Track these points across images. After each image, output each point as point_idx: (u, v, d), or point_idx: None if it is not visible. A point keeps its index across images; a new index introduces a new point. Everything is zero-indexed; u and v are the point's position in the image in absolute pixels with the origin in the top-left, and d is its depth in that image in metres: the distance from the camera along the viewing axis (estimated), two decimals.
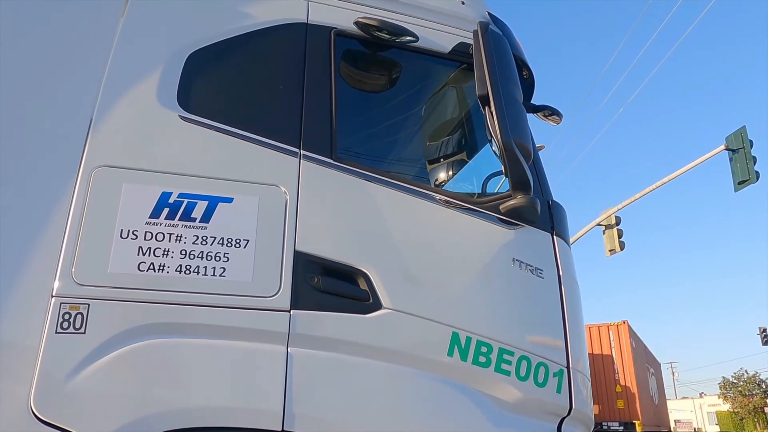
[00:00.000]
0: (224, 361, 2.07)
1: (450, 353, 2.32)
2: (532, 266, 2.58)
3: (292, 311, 2.17)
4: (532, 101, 3.18)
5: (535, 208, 2.59)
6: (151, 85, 2.34)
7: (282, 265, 2.21)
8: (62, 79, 2.27)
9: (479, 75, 2.57)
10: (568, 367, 2.52)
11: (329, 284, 2.27)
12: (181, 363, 2.02)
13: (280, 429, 2.03)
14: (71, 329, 1.94)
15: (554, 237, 2.71)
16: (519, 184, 2.56)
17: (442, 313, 2.37)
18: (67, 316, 1.95)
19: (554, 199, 2.83)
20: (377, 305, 2.28)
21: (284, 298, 2.18)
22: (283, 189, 2.33)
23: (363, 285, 2.30)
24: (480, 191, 2.74)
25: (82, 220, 2.07)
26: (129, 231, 2.11)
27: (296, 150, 2.41)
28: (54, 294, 1.96)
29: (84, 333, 1.95)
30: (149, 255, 2.10)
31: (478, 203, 2.62)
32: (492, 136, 2.48)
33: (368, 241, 2.39)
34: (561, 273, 2.65)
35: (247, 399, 2.05)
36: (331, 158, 2.46)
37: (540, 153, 2.90)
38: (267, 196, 2.30)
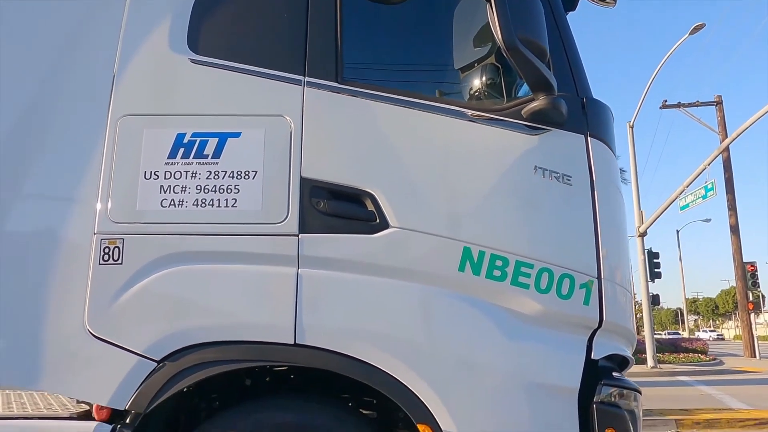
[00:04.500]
0: (240, 283, 2.28)
1: (461, 268, 2.30)
2: (558, 173, 2.40)
3: (300, 235, 2.30)
4: None
5: (558, 109, 2.37)
6: (163, 33, 2.50)
7: (289, 192, 2.32)
8: (87, 40, 2.52)
9: None
10: (599, 278, 2.36)
11: (336, 207, 2.34)
12: (203, 286, 2.28)
13: (292, 342, 2.22)
14: (111, 261, 2.27)
15: (588, 139, 2.46)
16: (536, 84, 2.35)
17: (452, 228, 2.34)
18: (106, 250, 2.28)
19: (592, 96, 2.55)
20: (384, 225, 2.32)
21: (292, 223, 2.30)
22: (287, 118, 2.39)
23: (369, 206, 2.33)
24: (505, 98, 2.55)
25: (113, 166, 2.35)
26: (151, 172, 2.35)
27: (300, 78, 2.45)
28: (95, 232, 2.29)
29: (121, 263, 2.27)
30: (170, 192, 2.33)
31: (496, 110, 2.46)
32: (496, 36, 2.27)
33: (374, 162, 2.40)
34: (595, 178, 2.43)
35: (261, 316, 2.26)
36: (336, 82, 2.46)
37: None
38: (272, 127, 2.39)
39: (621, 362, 2.63)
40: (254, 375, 2.60)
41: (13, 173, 2.37)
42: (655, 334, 24.27)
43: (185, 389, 2.51)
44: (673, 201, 19.34)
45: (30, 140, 2.41)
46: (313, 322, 2.24)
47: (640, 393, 2.45)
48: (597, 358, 2.33)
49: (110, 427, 2.16)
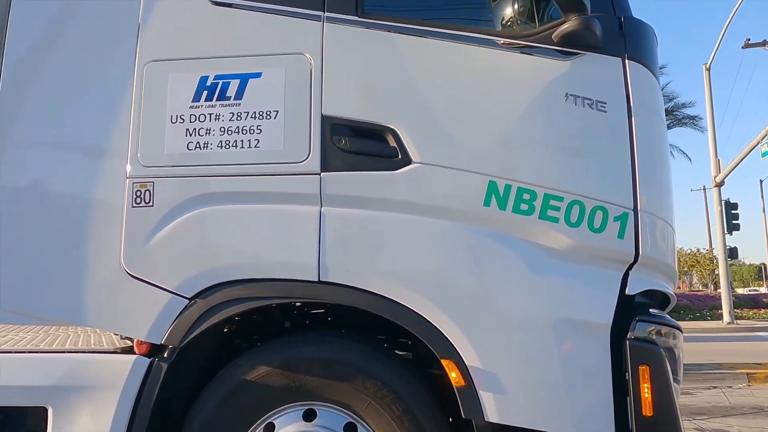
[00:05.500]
0: (264, 223, 2.31)
1: (486, 203, 2.22)
2: (591, 99, 2.26)
3: (322, 174, 2.29)
4: None
5: (592, 30, 2.21)
6: None
7: (310, 131, 2.31)
8: None
9: None
10: (635, 209, 2.23)
11: (357, 144, 2.31)
12: (229, 226, 2.32)
13: (316, 279, 2.24)
14: (143, 203, 2.34)
15: (626, 62, 2.29)
16: (566, 4, 2.20)
17: (477, 162, 2.26)
18: (138, 193, 2.35)
19: (631, 15, 2.36)
20: (407, 161, 2.27)
21: (314, 162, 2.29)
22: (308, 56, 2.36)
23: (391, 142, 2.28)
24: (537, 24, 2.39)
25: (141, 112, 2.41)
26: (177, 116, 2.38)
27: (320, 14, 2.39)
28: (127, 176, 2.37)
29: (153, 206, 2.34)
30: (195, 135, 2.37)
31: (525, 37, 2.33)
32: None
33: (395, 97, 2.33)
34: (632, 104, 2.27)
35: (285, 254, 2.28)
36: (357, 15, 2.39)
37: None
38: (292, 65, 2.36)
39: (662, 300, 2.50)
40: (293, 317, 2.66)
41: (48, 123, 2.47)
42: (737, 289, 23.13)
43: (226, 329, 2.62)
44: (754, 147, 18.04)
45: (63, 91, 2.49)
46: (335, 260, 2.24)
47: (681, 331, 2.32)
48: (632, 293, 2.22)
49: (149, 360, 2.27)
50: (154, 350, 2.32)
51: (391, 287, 2.21)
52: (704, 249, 43.98)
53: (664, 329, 2.26)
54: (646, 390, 2.10)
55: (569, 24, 2.21)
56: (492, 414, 2.12)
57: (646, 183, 2.26)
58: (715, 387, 7.59)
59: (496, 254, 2.22)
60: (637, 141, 2.25)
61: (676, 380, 2.34)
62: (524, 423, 2.13)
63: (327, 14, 2.39)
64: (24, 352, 2.42)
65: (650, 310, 2.27)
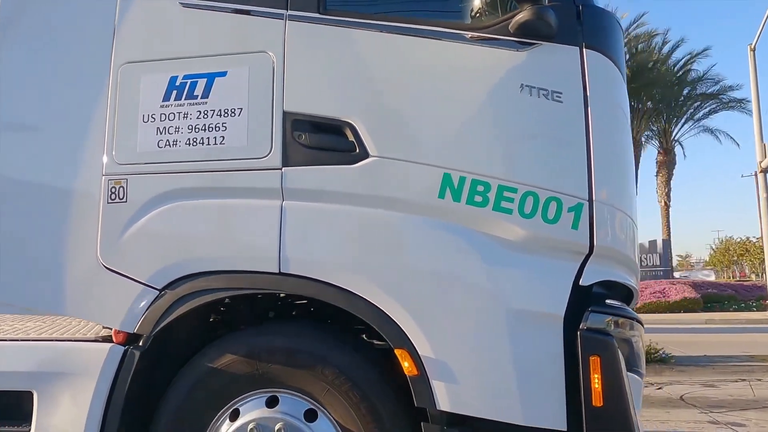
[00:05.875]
0: (230, 217, 2.39)
1: (441, 195, 2.25)
2: (546, 90, 2.25)
3: (283, 168, 2.36)
4: None
5: (544, 20, 2.20)
6: None
7: (272, 127, 2.37)
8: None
9: None
10: (590, 200, 2.21)
11: (317, 139, 2.36)
12: (195, 221, 2.41)
13: (277, 271, 2.32)
14: (117, 199, 2.46)
15: (583, 51, 2.27)
16: None
17: (432, 154, 2.28)
18: (114, 190, 2.47)
19: (591, 3, 2.33)
20: (364, 154, 2.31)
21: (275, 157, 2.36)
22: (270, 54, 2.42)
23: (350, 136, 2.33)
24: (500, 15, 2.38)
25: (116, 112, 2.52)
26: (149, 115, 2.49)
27: (283, 12, 2.45)
28: (103, 173, 2.49)
29: (126, 202, 2.46)
30: (165, 133, 2.47)
31: (482, 28, 2.33)
32: None
33: (353, 91, 2.38)
34: (589, 93, 2.24)
35: (249, 247, 2.36)
36: (318, 12, 2.43)
37: None
38: (256, 63, 2.43)
39: (628, 294, 2.47)
40: (278, 307, 2.75)
41: (32, 122, 2.61)
42: None
43: (212, 319, 2.73)
44: None
45: (45, 91, 2.63)
46: (295, 252, 2.31)
47: (640, 322, 2.30)
48: (586, 284, 2.21)
49: (123, 348, 2.40)
50: (131, 339, 2.45)
51: (348, 278, 2.27)
52: (755, 237, 42.31)
53: (620, 320, 2.24)
54: (596, 380, 2.09)
55: (522, 14, 2.21)
56: (443, 403, 2.15)
57: (603, 174, 2.24)
58: (743, 380, 7.37)
59: (450, 246, 2.24)
60: (593, 131, 2.23)
61: (636, 372, 2.32)
62: (475, 412, 2.16)
63: (290, 12, 2.45)
64: (13, 341, 2.58)
65: (606, 301, 2.25)
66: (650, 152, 34.05)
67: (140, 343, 2.41)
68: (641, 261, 27.70)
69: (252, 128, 2.39)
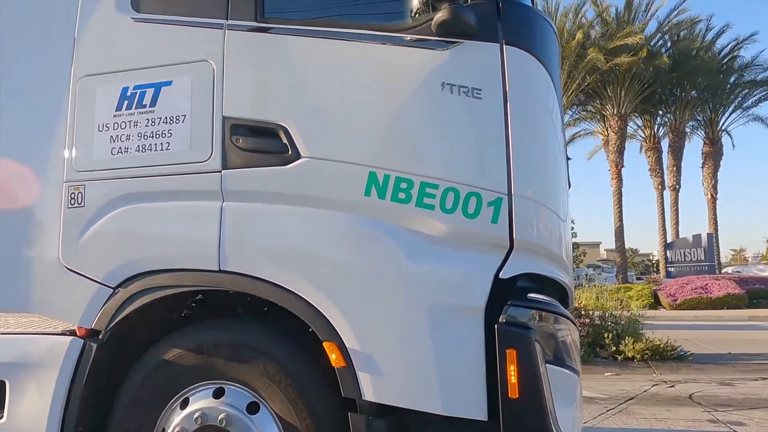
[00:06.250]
0: (175, 218, 2.54)
1: (367, 193, 2.33)
2: (467, 87, 2.29)
3: (222, 171, 2.48)
4: None
5: (462, 19, 2.25)
6: None
7: (212, 132, 2.50)
8: (53, 12, 2.86)
9: None
10: (509, 194, 2.25)
11: (253, 143, 2.47)
12: (144, 222, 2.57)
13: (217, 269, 2.44)
14: (76, 204, 2.64)
15: (503, 47, 2.30)
16: None
17: (359, 153, 2.36)
18: (72, 195, 2.65)
19: (512, 0, 2.36)
20: (297, 155, 2.41)
21: (216, 160, 2.49)
22: (211, 62, 2.55)
23: (284, 138, 2.43)
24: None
25: (75, 122, 2.70)
26: (104, 125, 2.66)
27: (222, 21, 2.58)
28: (64, 180, 2.68)
29: (84, 206, 2.63)
30: (117, 141, 2.63)
31: (407, 29, 2.39)
32: None
33: (287, 95, 2.48)
34: (508, 90, 2.28)
35: (193, 246, 2.50)
36: (256, 21, 2.55)
37: None
38: (198, 72, 2.56)
39: (565, 291, 2.48)
40: (247, 303, 2.87)
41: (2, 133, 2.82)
42: None
43: (183, 315, 2.89)
44: None
45: (13, 102, 2.83)
46: (233, 251, 2.43)
47: (567, 317, 2.31)
48: (505, 277, 2.25)
49: (82, 341, 2.57)
50: (92, 334, 2.62)
51: (282, 275, 2.37)
52: None
53: (543, 315, 2.26)
54: (512, 373, 2.13)
55: (441, 14, 2.26)
56: (369, 393, 2.23)
57: (523, 169, 2.27)
58: (764, 378, 7.11)
59: (376, 242, 2.32)
60: (512, 127, 2.27)
61: (567, 367, 2.33)
62: (399, 402, 2.23)
63: (229, 22, 2.57)
64: None
65: (529, 295, 2.28)
66: (696, 143, 32.92)
67: (99, 337, 2.58)
68: (684, 256, 26.99)
69: (194, 134, 2.53)
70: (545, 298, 2.33)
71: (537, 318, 2.25)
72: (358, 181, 2.34)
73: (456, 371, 2.21)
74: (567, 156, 3.73)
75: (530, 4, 2.48)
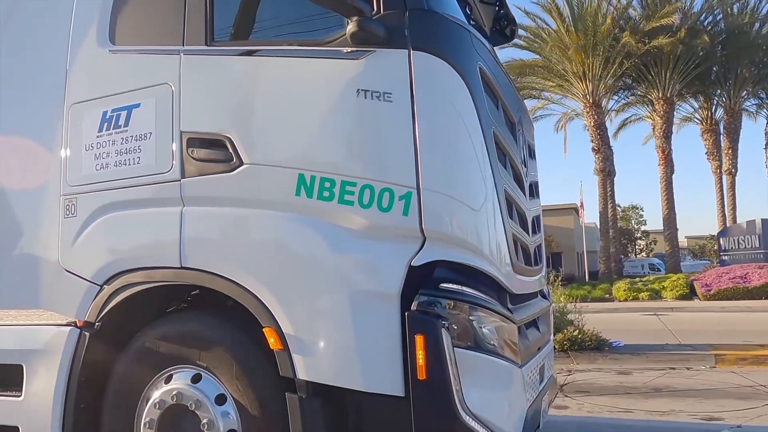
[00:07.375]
0: (145, 222, 2.91)
1: (297, 193, 2.59)
2: (378, 92, 2.51)
3: (181, 180, 2.83)
4: None
5: (368, 31, 2.47)
6: (94, 31, 3.17)
7: (172, 145, 2.85)
8: (50, 45, 3.31)
9: None
10: (417, 188, 2.44)
11: (205, 153, 2.80)
12: (121, 228, 2.96)
13: (179, 266, 2.79)
14: (70, 215, 3.08)
15: (410, 53, 2.49)
16: (345, 10, 2.49)
17: (290, 158, 2.63)
18: (67, 207, 3.09)
19: (423, 8, 2.54)
20: (240, 163, 2.71)
21: (176, 171, 2.84)
22: (170, 84, 2.90)
23: (229, 148, 2.74)
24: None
25: (68, 143, 3.14)
26: (89, 145, 3.08)
27: (179, 48, 2.92)
28: (61, 194, 3.12)
29: (76, 216, 3.06)
30: (100, 158, 3.04)
31: (328, 43, 2.63)
32: None
33: (230, 109, 2.79)
34: (415, 92, 2.47)
35: (160, 246, 2.86)
36: (206, 45, 2.87)
37: None
38: (161, 94, 2.92)
39: (491, 283, 2.63)
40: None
41: (7, 154, 3.31)
42: None
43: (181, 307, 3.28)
44: None
45: (23, 131, 3.32)
46: (191, 249, 2.77)
47: (479, 305, 2.46)
48: (416, 265, 2.43)
49: (79, 330, 3.01)
50: (87, 325, 3.05)
51: (230, 269, 2.68)
52: None
53: (459, 304, 2.43)
54: (420, 356, 2.33)
55: (350, 26, 2.48)
56: (302, 373, 2.50)
57: (431, 164, 2.45)
58: (672, 368, 6.90)
59: (305, 237, 2.58)
60: (420, 126, 2.45)
61: (487, 352, 2.48)
62: (327, 380, 2.48)
63: (184, 48, 2.91)
64: (4, 326, 3.28)
65: (441, 285, 2.45)
66: (750, 125, 30.59)
67: (94, 327, 3.01)
68: (738, 243, 24.94)
69: (158, 148, 2.89)
70: (458, 287, 2.48)
71: (450, 306, 2.42)
72: (290, 182, 2.60)
73: (375, 352, 2.44)
74: (532, 151, 3.82)
75: (440, 11, 2.64)
